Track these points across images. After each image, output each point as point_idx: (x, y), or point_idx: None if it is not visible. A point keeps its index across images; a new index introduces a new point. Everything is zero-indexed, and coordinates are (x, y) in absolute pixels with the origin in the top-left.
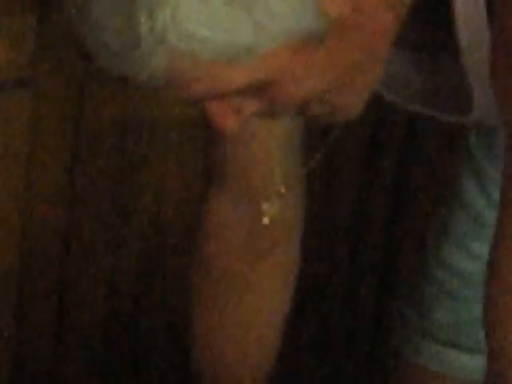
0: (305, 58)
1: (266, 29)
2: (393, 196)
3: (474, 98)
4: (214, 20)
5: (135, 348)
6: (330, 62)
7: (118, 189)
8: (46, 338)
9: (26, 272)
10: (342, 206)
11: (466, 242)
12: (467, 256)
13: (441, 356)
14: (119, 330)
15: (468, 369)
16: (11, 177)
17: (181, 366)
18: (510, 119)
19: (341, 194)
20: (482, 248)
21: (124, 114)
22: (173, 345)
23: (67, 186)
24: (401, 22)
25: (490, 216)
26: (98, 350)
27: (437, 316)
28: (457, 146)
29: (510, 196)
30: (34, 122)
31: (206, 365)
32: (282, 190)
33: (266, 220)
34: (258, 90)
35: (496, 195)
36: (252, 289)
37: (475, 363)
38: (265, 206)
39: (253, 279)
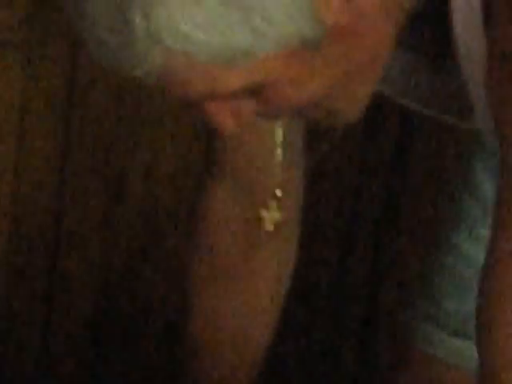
0: (301, 63)
1: (262, 33)
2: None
3: (474, 106)
4: (209, 23)
5: (130, 317)
6: (327, 68)
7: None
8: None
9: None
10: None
11: (477, 228)
12: (478, 243)
13: (451, 345)
14: (111, 309)
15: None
16: (3, 142)
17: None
18: (505, 131)
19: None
20: None
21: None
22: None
23: (59, 145)
24: (400, 28)
25: None
26: (88, 336)
27: (447, 305)
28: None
29: (505, 207)
30: (26, 84)
31: (200, 351)
32: (279, 194)
33: (269, 226)
34: (255, 92)
35: None
36: (247, 278)
37: None
38: (264, 213)
39: (248, 268)
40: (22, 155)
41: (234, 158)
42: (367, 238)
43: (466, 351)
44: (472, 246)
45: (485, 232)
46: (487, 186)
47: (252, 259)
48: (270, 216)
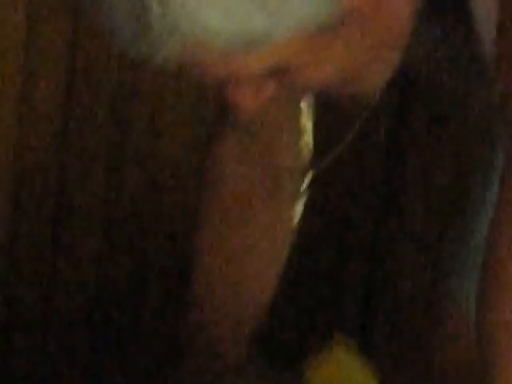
0: (319, 46)
1: (279, 18)
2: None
3: (489, 71)
4: (226, 9)
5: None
6: (345, 50)
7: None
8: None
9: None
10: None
11: None
12: None
13: None
14: (118, 254)
15: None
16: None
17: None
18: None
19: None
20: None
21: None
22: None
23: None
24: (417, 5)
25: None
26: (92, 282)
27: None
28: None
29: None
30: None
31: (202, 303)
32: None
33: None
34: (275, 74)
35: None
36: (259, 227)
37: None
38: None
39: (262, 217)
40: (25, 103)
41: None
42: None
43: None
44: None
45: None
46: None
47: (267, 207)
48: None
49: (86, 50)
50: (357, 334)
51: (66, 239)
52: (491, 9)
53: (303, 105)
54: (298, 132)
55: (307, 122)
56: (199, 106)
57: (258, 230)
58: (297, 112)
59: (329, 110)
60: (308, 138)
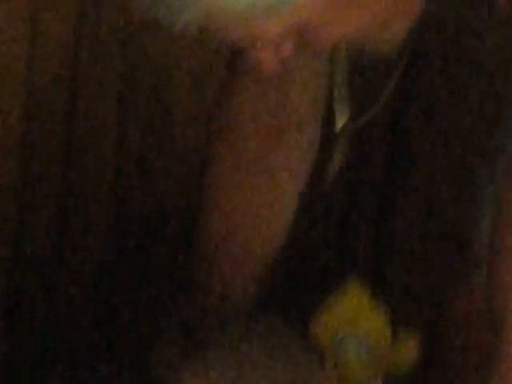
0: (339, 4)
1: None
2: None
3: None
4: None
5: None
6: (364, 8)
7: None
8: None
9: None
10: None
11: None
12: None
13: None
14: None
15: None
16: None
17: None
18: None
19: None
20: None
21: None
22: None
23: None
24: None
25: None
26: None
27: None
28: None
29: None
30: None
31: (213, 247)
32: None
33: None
34: (295, 33)
35: None
36: (268, 173)
37: None
38: None
39: (270, 163)
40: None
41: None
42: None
43: None
44: None
45: None
46: None
47: (275, 154)
48: None
49: None
50: (369, 276)
51: (77, 179)
52: None
53: (323, 60)
54: (317, 86)
55: (338, 80)
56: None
57: (268, 176)
58: (316, 66)
59: (362, 70)
60: (340, 98)
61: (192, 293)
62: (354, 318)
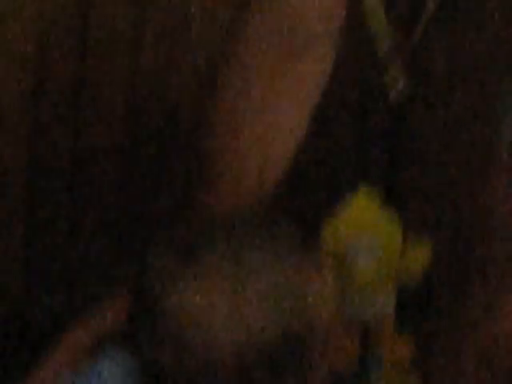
0: None
1: None
2: None
3: None
4: None
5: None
6: None
7: None
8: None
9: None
10: None
11: None
12: None
13: None
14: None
15: None
16: None
17: None
18: None
19: None
20: None
21: None
22: None
23: None
24: None
25: None
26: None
27: None
28: None
29: None
30: None
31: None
32: None
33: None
34: None
35: None
36: (279, 92)
37: None
38: None
39: (280, 83)
40: None
41: None
42: None
43: None
44: None
45: None
46: None
47: (284, 75)
48: None
49: None
50: (382, 184)
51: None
52: None
53: None
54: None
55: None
56: None
57: (278, 99)
58: None
59: None
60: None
61: (193, 207)
62: (365, 225)
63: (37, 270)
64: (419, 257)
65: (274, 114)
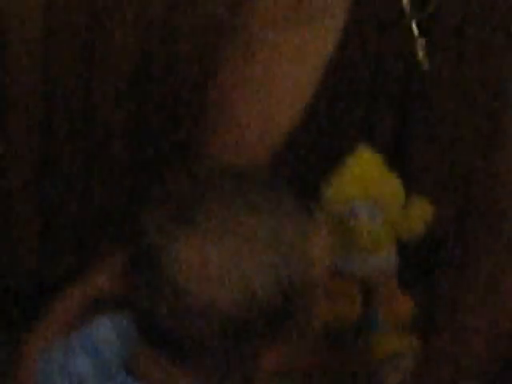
0: None
1: None
2: None
3: None
4: None
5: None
6: None
7: None
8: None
9: None
10: None
11: None
12: None
13: None
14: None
15: None
16: None
17: None
18: None
19: None
20: None
21: None
22: None
23: None
24: None
25: None
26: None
27: None
28: None
29: None
30: None
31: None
32: None
33: None
34: None
35: None
36: (280, 55)
37: None
38: None
39: (285, 44)
40: None
41: None
42: None
43: None
44: None
45: None
46: None
47: (289, 44)
48: None
49: None
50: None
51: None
52: None
53: None
54: None
55: None
56: None
57: (283, 67)
58: None
59: None
60: None
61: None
62: (366, 183)
63: (50, 230)
64: (421, 214)
65: (278, 80)
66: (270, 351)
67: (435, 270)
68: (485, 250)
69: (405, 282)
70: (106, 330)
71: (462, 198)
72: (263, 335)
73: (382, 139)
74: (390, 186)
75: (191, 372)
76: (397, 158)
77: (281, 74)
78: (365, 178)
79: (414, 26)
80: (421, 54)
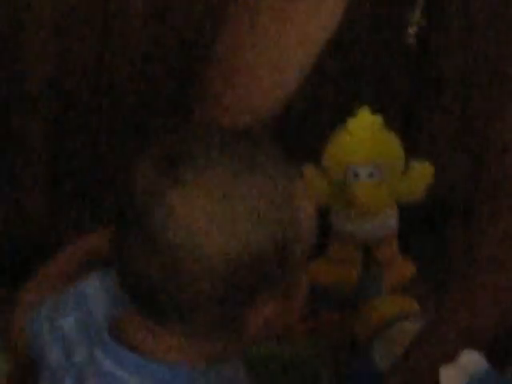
0: None
1: None
2: None
3: None
4: None
5: None
6: None
7: None
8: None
9: None
10: None
11: None
12: None
13: None
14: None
15: None
16: None
17: None
18: None
19: None
20: None
21: None
22: None
23: None
24: None
25: None
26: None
27: None
28: None
29: None
30: None
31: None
32: None
33: None
34: None
35: None
36: (283, 21)
37: None
38: None
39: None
40: None
41: None
42: None
43: None
44: None
45: None
46: None
47: (292, 13)
48: None
49: None
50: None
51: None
52: None
53: None
54: None
55: None
56: None
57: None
58: None
59: None
60: None
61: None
62: (366, 145)
63: (62, 188)
64: (422, 177)
65: (288, 31)
66: (258, 312)
67: (446, 231)
68: (496, 213)
69: (408, 247)
70: (95, 291)
71: (473, 163)
72: (252, 294)
73: (392, 106)
74: (390, 147)
75: (178, 333)
76: (408, 125)
77: (291, 26)
78: (365, 139)
79: None
80: (418, 12)
